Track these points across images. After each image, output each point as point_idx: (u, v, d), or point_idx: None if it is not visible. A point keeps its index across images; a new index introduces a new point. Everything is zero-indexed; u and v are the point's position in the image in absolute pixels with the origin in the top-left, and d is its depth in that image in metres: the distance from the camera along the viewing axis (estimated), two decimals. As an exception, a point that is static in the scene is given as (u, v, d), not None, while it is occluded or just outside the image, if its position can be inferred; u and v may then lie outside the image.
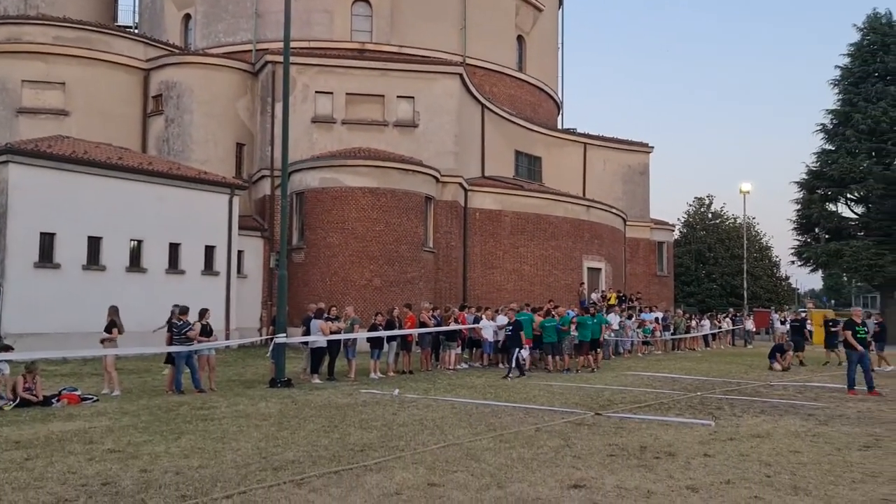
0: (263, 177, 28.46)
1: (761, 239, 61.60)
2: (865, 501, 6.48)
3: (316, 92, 28.29)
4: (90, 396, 12.57)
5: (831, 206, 42.44)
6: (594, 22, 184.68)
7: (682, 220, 61.05)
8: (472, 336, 20.23)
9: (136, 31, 36.42)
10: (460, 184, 28.95)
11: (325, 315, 16.67)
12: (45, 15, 31.42)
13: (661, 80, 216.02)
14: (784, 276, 64.48)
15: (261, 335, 23.24)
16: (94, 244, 21.84)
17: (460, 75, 29.40)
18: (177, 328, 13.82)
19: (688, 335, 30.44)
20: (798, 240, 43.90)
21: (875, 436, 9.83)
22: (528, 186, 32.55)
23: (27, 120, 27.23)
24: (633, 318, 26.78)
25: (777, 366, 20.48)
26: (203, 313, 14.41)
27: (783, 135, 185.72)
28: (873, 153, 39.59)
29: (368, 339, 17.51)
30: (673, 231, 46.30)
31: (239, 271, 26.19)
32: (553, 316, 19.58)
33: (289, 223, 25.49)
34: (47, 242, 20.90)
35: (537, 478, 7.15)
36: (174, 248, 23.85)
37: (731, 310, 42.07)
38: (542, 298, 25.89)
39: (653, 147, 40.63)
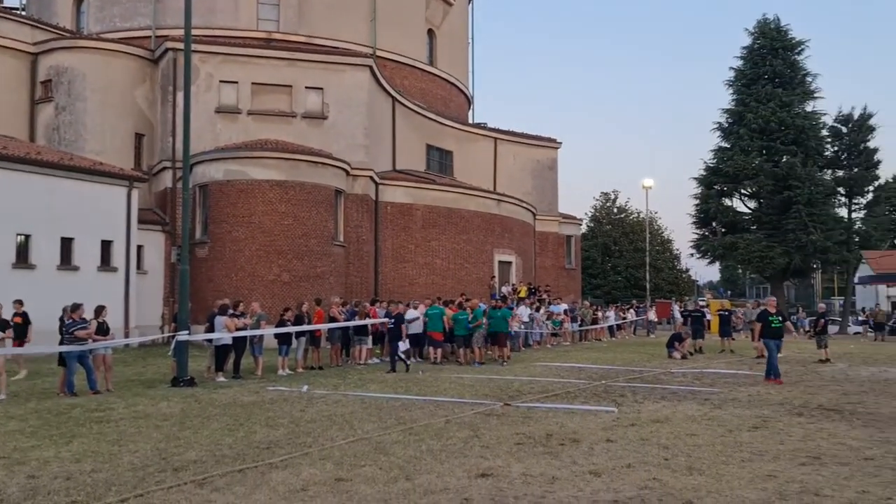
0: (165, 168, 27.35)
1: (663, 233, 64.39)
2: (753, 478, 6.83)
3: (220, 81, 27.39)
4: (-28, 401, 11.74)
5: (727, 202, 44.55)
6: (503, 18, 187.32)
7: (589, 214, 63.07)
8: (383, 330, 20.13)
9: (24, 13, 34.25)
10: (371, 177, 28.73)
11: (231, 311, 16.20)
12: (-81, -8, 29.10)
13: (569, 78, 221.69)
14: (684, 268, 67.60)
15: (163, 333, 22.36)
16: (-25, 239, 20.43)
17: (370, 67, 29.14)
18: (66, 327, 13.10)
19: (594, 326, 31.36)
20: (697, 233, 45.84)
21: (763, 417, 10.40)
22: (439, 180, 32.67)
23: None
24: (543, 311, 27.35)
25: (676, 354, 21.36)
26: (99, 311, 13.71)
27: (685, 132, 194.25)
28: (764, 151, 41.85)
29: (276, 336, 17.14)
30: (580, 225, 47.60)
31: (139, 267, 25.12)
32: (465, 309, 19.74)
33: (192, 217, 24.64)
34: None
35: (445, 469, 7.18)
36: (66, 243, 22.58)
37: (635, 301, 43.69)
38: (454, 292, 26.08)
39: (561, 143, 41.57)
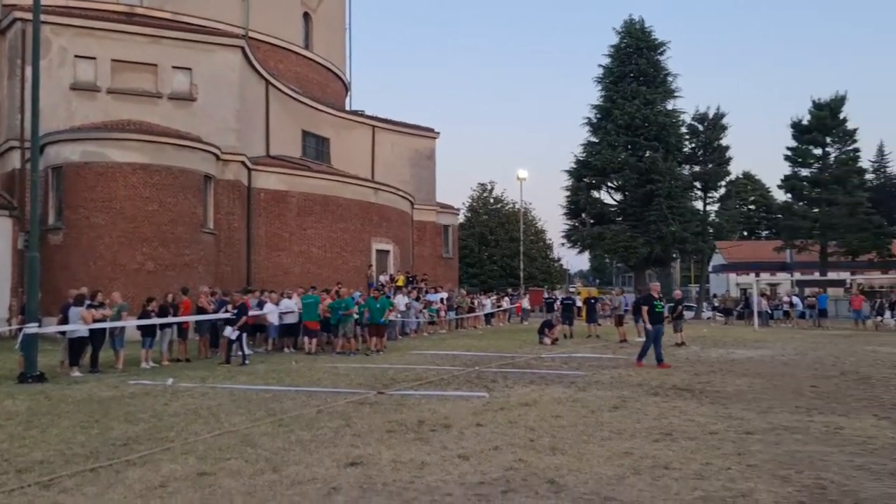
0: (12, 148, 25.13)
1: (537, 223, 66.58)
2: (611, 455, 7.19)
3: (76, 56, 25.45)
4: None
5: (595, 194, 46.69)
6: (383, 7, 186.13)
7: (467, 204, 64.14)
8: (256, 321, 19.55)
9: None
10: (243, 162, 27.75)
11: (88, 302, 15.20)
12: None
13: (449, 69, 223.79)
14: (556, 257, 70.26)
15: (9, 325, 20.66)
16: None
17: (242, 48, 28.08)
18: None
19: (471, 314, 31.94)
20: (568, 224, 47.72)
21: (623, 398, 10.98)
22: (315, 167, 32.05)
23: None
24: (420, 299, 27.53)
25: (547, 340, 22.14)
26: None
27: (558, 125, 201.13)
28: (629, 146, 44.11)
29: (139, 327, 16.26)
30: (458, 215, 48.32)
31: (-18, 255, 23.10)
32: (341, 298, 19.55)
33: (43, 201, 22.89)
34: None
35: (314, 459, 7.07)
36: None
37: (509, 289, 44.93)
38: (330, 281, 25.68)
39: (439, 133, 41.82)
